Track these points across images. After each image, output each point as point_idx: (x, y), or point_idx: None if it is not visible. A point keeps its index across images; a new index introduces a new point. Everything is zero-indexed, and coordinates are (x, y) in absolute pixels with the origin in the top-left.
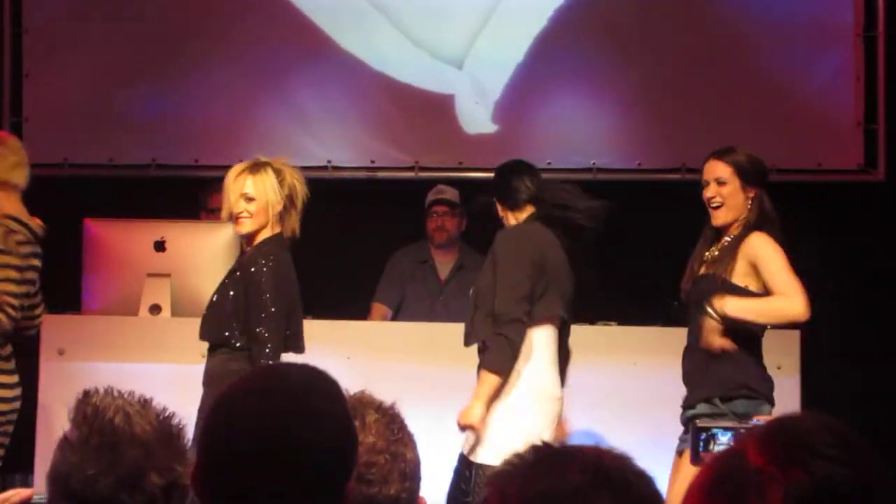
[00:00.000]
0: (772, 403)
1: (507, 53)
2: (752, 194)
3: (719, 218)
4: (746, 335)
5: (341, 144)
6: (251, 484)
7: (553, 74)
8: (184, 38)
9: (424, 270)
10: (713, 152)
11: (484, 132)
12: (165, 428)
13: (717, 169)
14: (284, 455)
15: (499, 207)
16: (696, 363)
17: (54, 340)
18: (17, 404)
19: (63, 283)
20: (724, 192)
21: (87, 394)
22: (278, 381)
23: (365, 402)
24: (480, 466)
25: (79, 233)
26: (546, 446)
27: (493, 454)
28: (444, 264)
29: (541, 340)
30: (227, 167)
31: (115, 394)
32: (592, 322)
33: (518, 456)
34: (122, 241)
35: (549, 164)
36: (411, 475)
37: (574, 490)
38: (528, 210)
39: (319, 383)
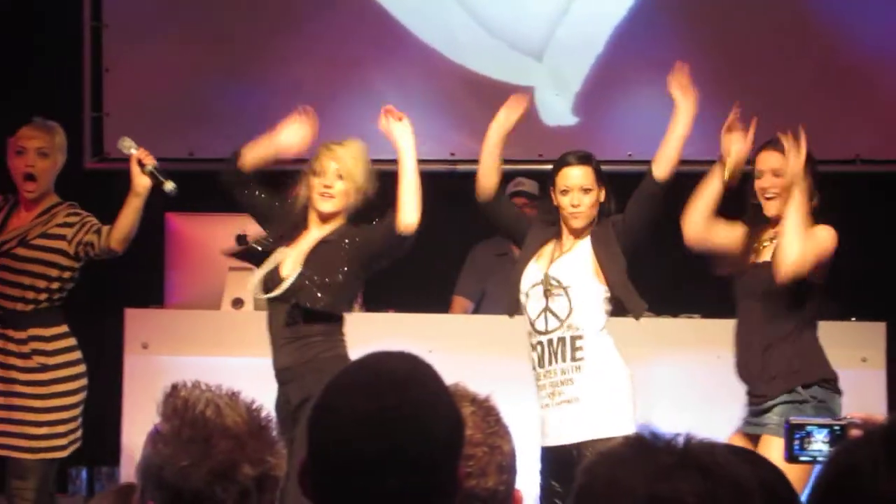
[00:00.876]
0: (840, 393)
1: (586, 44)
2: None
3: (773, 208)
4: (807, 322)
5: (420, 137)
6: (366, 482)
7: (633, 65)
8: (263, 31)
9: (504, 263)
10: (768, 142)
11: (563, 124)
12: (255, 420)
13: (773, 160)
14: (400, 450)
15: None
16: (754, 352)
17: (138, 334)
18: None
19: (146, 277)
20: (781, 183)
21: (175, 387)
22: (385, 374)
23: (460, 395)
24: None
25: (161, 227)
26: (639, 437)
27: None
28: None
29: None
30: (307, 161)
31: (204, 387)
32: (676, 314)
33: (617, 446)
34: (204, 235)
35: (629, 155)
36: (508, 467)
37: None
38: None
39: (424, 373)
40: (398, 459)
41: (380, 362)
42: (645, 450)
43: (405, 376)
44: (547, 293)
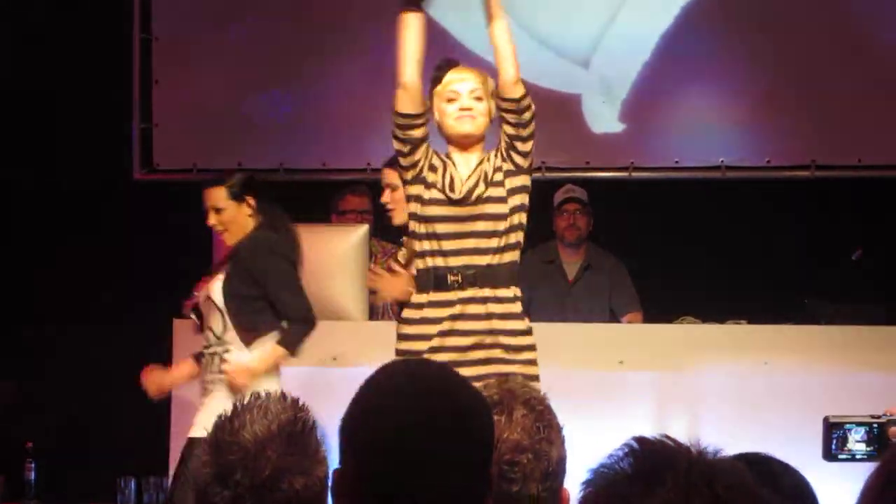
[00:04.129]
0: None
1: (633, 51)
2: None
3: None
4: None
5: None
6: (407, 484)
7: (680, 71)
8: (312, 42)
9: (552, 271)
10: None
11: (611, 131)
12: (299, 429)
13: None
14: (436, 455)
15: None
16: None
17: (186, 344)
18: None
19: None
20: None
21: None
22: (422, 379)
23: (516, 395)
24: None
25: (210, 237)
26: (643, 449)
27: None
28: (571, 264)
29: None
30: (355, 171)
31: (255, 397)
32: (722, 321)
33: (615, 458)
34: None
35: (676, 162)
36: (554, 473)
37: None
38: None
39: (456, 378)
40: (440, 461)
41: (412, 369)
42: (647, 468)
43: (441, 381)
44: None
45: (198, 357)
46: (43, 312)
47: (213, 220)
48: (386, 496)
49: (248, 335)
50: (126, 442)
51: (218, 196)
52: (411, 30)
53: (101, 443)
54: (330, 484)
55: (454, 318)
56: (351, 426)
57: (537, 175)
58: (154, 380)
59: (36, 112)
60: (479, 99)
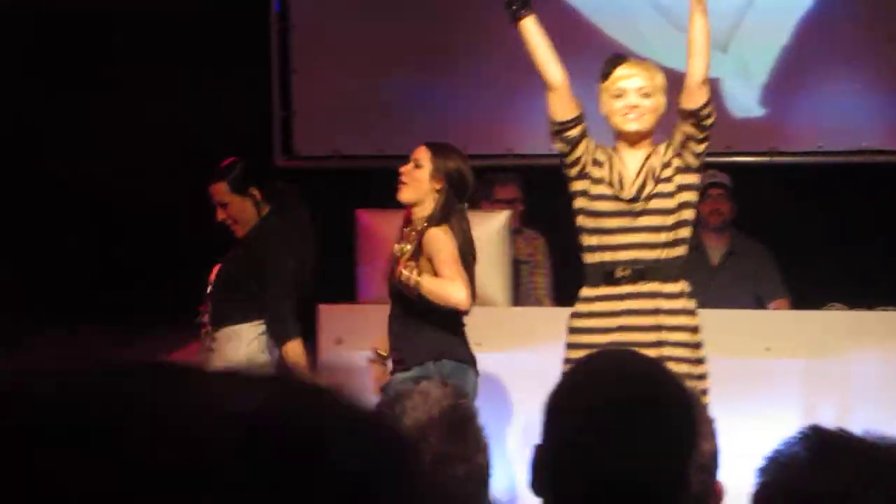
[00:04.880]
0: None
1: (772, 35)
2: None
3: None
4: None
5: (607, 133)
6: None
7: (820, 54)
8: (449, 29)
9: (695, 256)
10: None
11: (751, 116)
12: (460, 416)
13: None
14: (633, 439)
15: None
16: None
17: (332, 329)
18: None
19: (338, 273)
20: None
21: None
22: (624, 366)
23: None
24: None
25: (351, 224)
26: (818, 437)
27: None
28: (715, 249)
29: None
30: (494, 157)
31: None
32: (871, 307)
33: (790, 446)
34: (395, 231)
35: (819, 146)
36: (706, 467)
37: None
38: None
39: (660, 368)
40: (637, 446)
41: (620, 356)
42: (827, 455)
43: (647, 370)
44: None
45: None
46: (194, 302)
47: (220, 215)
48: (581, 474)
49: (223, 321)
50: None
51: (221, 191)
52: (532, 34)
53: None
54: (531, 458)
55: (623, 313)
56: (554, 404)
57: None
58: None
59: (179, 101)
60: (646, 96)
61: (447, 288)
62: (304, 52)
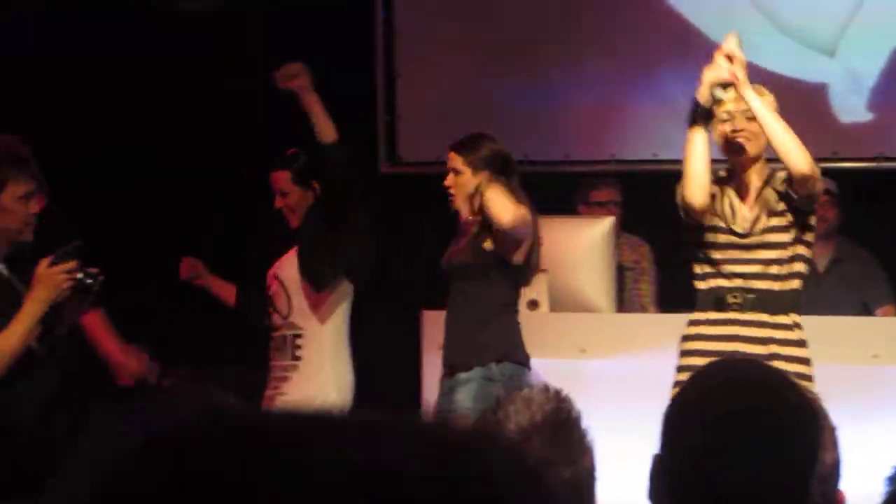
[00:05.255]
0: None
1: (881, 38)
2: None
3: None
4: None
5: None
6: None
7: None
8: (553, 33)
9: None
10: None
11: (858, 121)
12: (563, 419)
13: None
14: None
15: None
16: None
17: (435, 335)
18: None
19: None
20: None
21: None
22: (744, 375)
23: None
24: None
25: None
26: None
27: None
28: (821, 256)
29: None
30: (599, 162)
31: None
32: None
33: None
34: None
35: None
36: (827, 477)
37: None
38: None
39: (782, 378)
40: (756, 454)
41: (740, 365)
42: None
43: (768, 379)
44: None
45: (242, 296)
46: None
47: (279, 203)
48: (702, 484)
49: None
50: None
51: (283, 179)
52: (700, 144)
53: None
54: (650, 468)
55: (732, 338)
56: (674, 415)
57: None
58: (195, 266)
59: (284, 108)
60: (752, 119)
61: (501, 202)
62: (408, 57)
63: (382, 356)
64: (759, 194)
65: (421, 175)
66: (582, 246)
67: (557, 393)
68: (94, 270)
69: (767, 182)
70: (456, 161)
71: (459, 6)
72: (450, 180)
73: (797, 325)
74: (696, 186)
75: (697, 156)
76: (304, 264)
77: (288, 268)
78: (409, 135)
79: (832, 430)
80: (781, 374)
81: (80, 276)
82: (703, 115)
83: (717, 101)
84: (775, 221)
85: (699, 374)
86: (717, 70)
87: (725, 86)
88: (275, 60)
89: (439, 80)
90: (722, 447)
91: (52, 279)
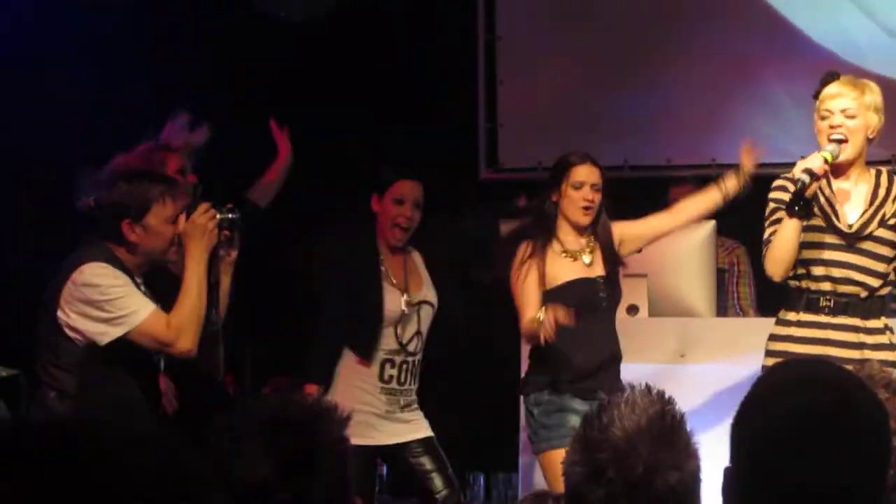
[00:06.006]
0: None
1: None
2: None
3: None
4: None
5: (813, 139)
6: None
7: None
8: (654, 37)
9: None
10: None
11: None
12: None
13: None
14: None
15: None
16: None
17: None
18: None
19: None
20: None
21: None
22: (811, 374)
23: (874, 379)
24: None
25: None
26: None
27: None
28: None
29: None
30: (700, 166)
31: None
32: None
33: None
34: None
35: None
36: None
37: None
38: None
39: (849, 376)
40: (830, 454)
41: (805, 364)
42: None
43: (835, 378)
44: None
45: None
46: None
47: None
48: (774, 488)
49: None
50: (475, 438)
51: (419, 192)
52: (794, 232)
53: (451, 439)
54: (722, 483)
55: (824, 342)
56: (743, 419)
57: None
58: None
59: (383, 113)
60: (851, 117)
61: None
62: (510, 63)
63: (480, 362)
64: (874, 200)
65: (521, 181)
66: (682, 250)
67: (661, 394)
68: (229, 206)
69: (888, 192)
70: (597, 176)
71: (561, 13)
72: (596, 197)
73: (889, 329)
74: (779, 266)
75: (789, 242)
76: None
77: None
78: (509, 141)
79: None
80: (849, 371)
81: (220, 214)
82: (803, 210)
83: (808, 185)
84: (882, 233)
85: (763, 375)
86: (811, 161)
87: (828, 78)
88: (377, 65)
89: (541, 87)
90: (793, 449)
91: (197, 227)
